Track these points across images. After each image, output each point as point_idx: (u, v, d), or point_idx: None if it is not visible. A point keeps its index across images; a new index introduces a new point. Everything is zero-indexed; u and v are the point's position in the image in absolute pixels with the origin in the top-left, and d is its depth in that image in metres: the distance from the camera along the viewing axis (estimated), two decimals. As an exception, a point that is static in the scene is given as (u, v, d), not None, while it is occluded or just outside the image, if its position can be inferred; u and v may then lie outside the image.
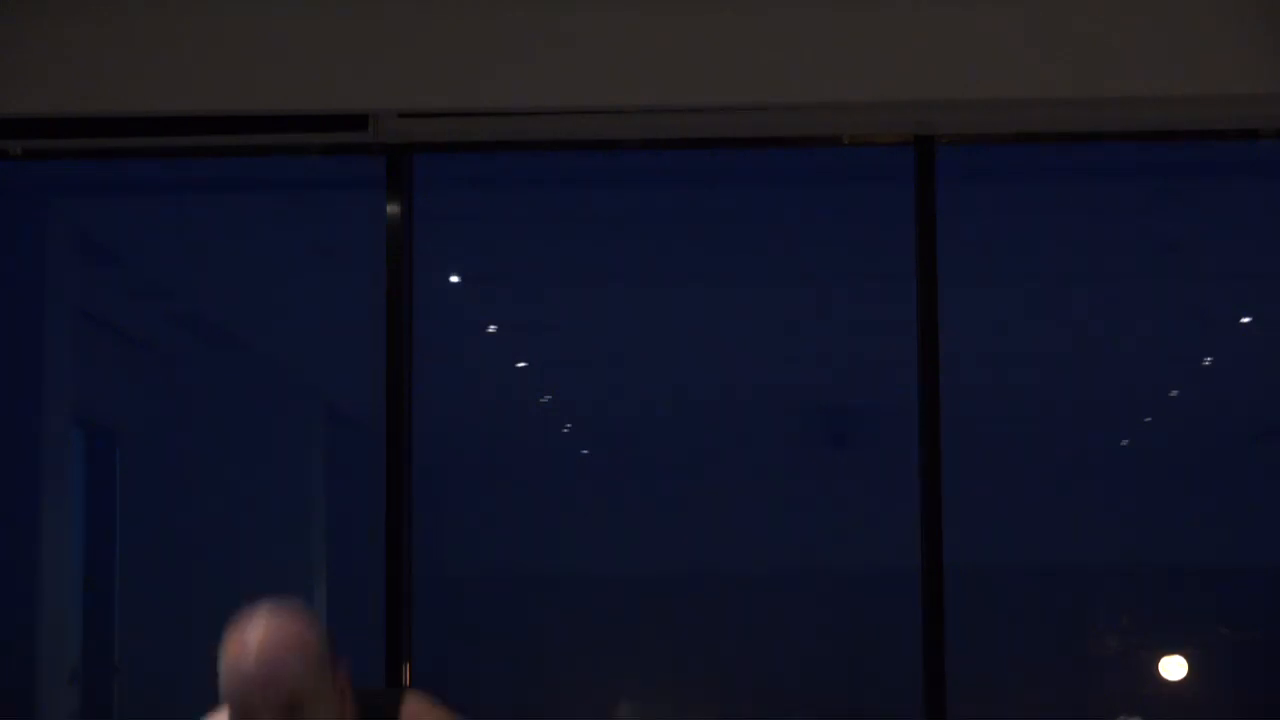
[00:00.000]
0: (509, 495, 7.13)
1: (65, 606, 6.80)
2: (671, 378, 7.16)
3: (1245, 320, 7.19)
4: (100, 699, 7.17)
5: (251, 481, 7.02)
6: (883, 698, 6.81)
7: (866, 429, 7.10)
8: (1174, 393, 7.39)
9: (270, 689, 2.76)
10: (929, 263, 5.65)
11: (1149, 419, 7.40)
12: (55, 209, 6.70)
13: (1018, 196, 6.80)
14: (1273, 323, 7.11)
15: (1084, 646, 7.17)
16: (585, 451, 7.44)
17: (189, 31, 5.47)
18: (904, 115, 5.59)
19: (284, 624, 2.81)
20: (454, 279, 6.95)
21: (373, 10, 5.44)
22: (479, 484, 7.13)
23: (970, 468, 5.84)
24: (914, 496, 5.64)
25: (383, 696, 2.99)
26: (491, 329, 7.26)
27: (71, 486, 6.91)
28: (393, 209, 5.71)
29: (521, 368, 7.40)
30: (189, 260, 7.10)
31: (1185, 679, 7.00)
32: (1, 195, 6.54)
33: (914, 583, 5.60)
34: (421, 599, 5.74)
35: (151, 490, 7.21)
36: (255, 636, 2.79)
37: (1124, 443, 7.28)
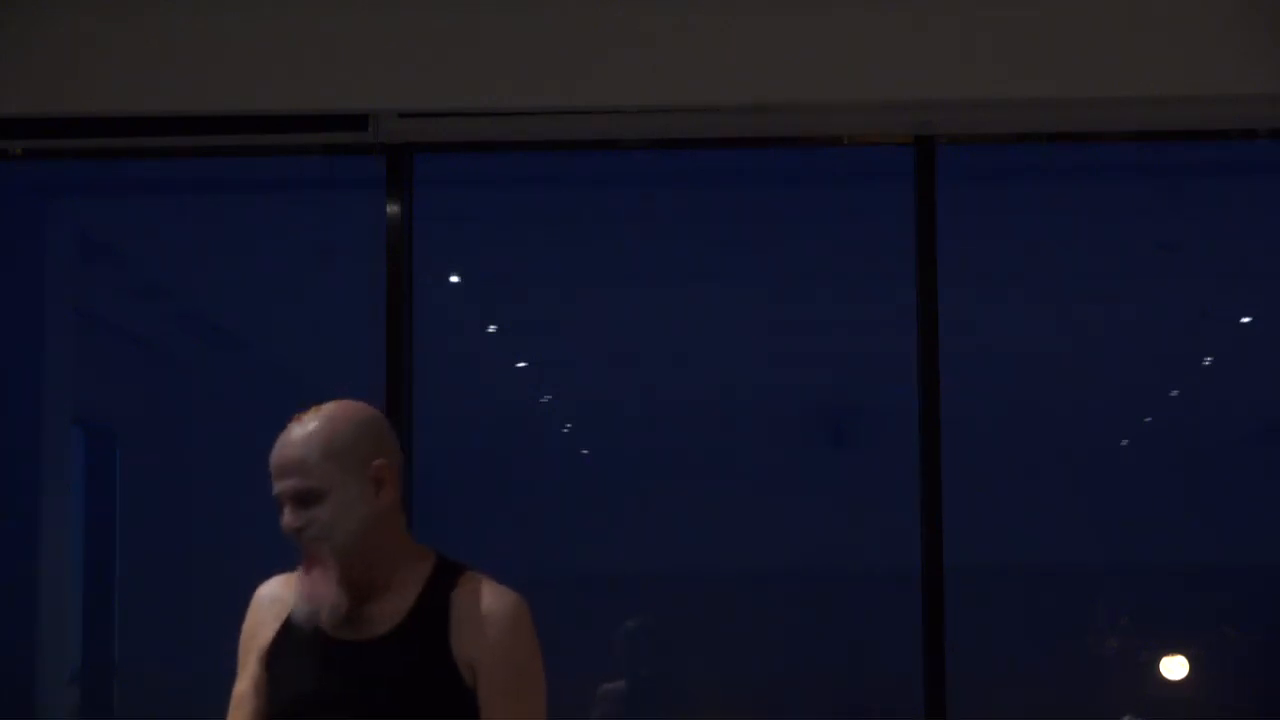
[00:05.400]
0: (509, 495, 7.12)
1: (65, 606, 6.80)
2: (672, 377, 7.15)
3: (1245, 320, 7.19)
4: (100, 699, 7.16)
5: (252, 481, 7.01)
6: (883, 698, 6.81)
7: (866, 429, 7.10)
8: (1174, 393, 7.39)
9: (285, 480, 2.93)
10: (929, 263, 5.66)
11: (1149, 419, 7.40)
12: (55, 209, 6.70)
13: (1018, 196, 6.80)
14: (1273, 323, 7.11)
15: (1084, 646, 7.16)
16: (585, 451, 7.44)
17: (189, 32, 5.48)
18: (904, 115, 5.59)
19: (323, 419, 2.95)
20: (454, 279, 6.95)
21: (373, 10, 5.45)
22: (479, 484, 7.13)
23: (970, 468, 5.84)
24: (914, 496, 5.64)
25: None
26: (491, 329, 7.26)
27: (71, 486, 6.90)
28: (393, 209, 5.72)
29: (521, 368, 7.40)
30: (189, 260, 7.10)
31: (1186, 679, 7.00)
32: (1, 195, 6.54)
33: (914, 583, 5.60)
34: (421, 599, 5.73)
35: (151, 490, 7.21)
36: (295, 428, 2.95)
37: (1124, 443, 7.28)
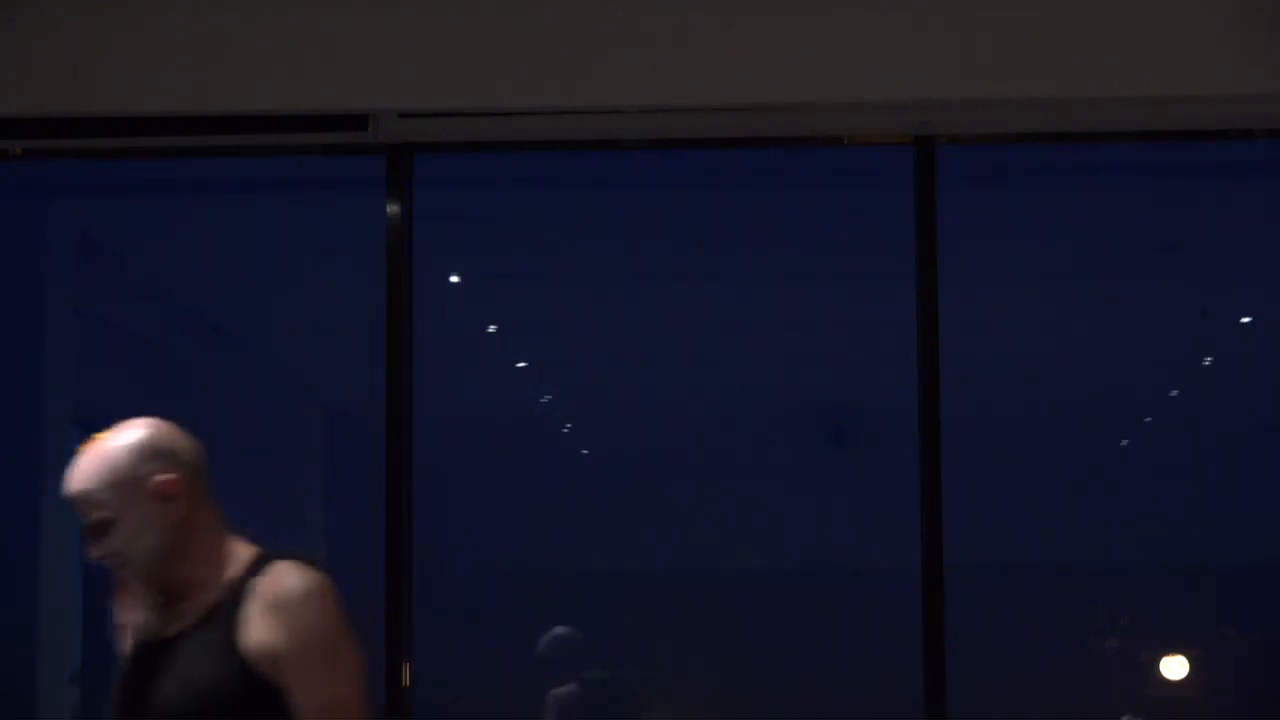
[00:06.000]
0: (509, 495, 7.12)
1: (65, 606, 6.80)
2: (672, 377, 7.15)
3: (1245, 320, 7.19)
4: (100, 699, 7.16)
5: (251, 481, 7.01)
6: (883, 698, 6.81)
7: (866, 429, 7.10)
8: (1174, 393, 7.38)
9: (80, 515, 3.05)
10: (929, 263, 5.66)
11: (1149, 419, 7.40)
12: (55, 209, 6.69)
13: (1018, 196, 6.80)
14: (1273, 323, 7.11)
15: (1084, 646, 7.16)
16: (585, 451, 7.44)
17: (189, 31, 5.48)
18: (904, 115, 5.59)
19: (99, 450, 3.04)
20: (454, 279, 6.95)
21: (373, 10, 5.45)
22: (479, 484, 7.13)
23: (970, 468, 5.84)
24: (914, 496, 5.64)
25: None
26: (491, 329, 7.26)
27: (71, 486, 6.88)
28: (393, 209, 5.72)
29: (521, 368, 7.40)
30: (189, 260, 7.10)
31: (1186, 679, 7.00)
32: (1, 195, 6.53)
33: (914, 583, 5.60)
34: (422, 599, 5.74)
35: (151, 490, 7.19)
36: (77, 462, 3.05)
37: (1124, 443, 7.28)
